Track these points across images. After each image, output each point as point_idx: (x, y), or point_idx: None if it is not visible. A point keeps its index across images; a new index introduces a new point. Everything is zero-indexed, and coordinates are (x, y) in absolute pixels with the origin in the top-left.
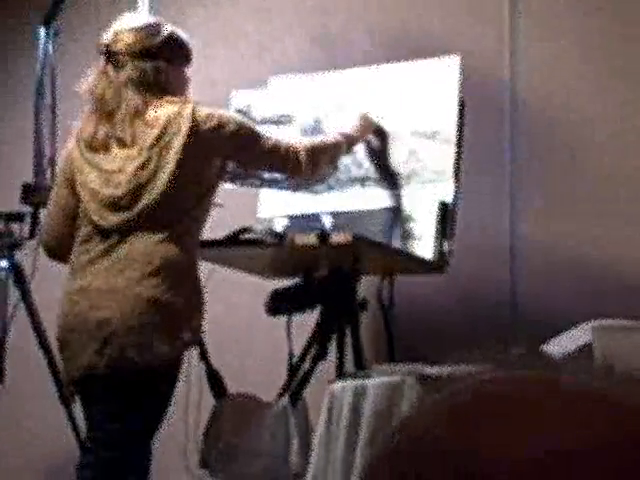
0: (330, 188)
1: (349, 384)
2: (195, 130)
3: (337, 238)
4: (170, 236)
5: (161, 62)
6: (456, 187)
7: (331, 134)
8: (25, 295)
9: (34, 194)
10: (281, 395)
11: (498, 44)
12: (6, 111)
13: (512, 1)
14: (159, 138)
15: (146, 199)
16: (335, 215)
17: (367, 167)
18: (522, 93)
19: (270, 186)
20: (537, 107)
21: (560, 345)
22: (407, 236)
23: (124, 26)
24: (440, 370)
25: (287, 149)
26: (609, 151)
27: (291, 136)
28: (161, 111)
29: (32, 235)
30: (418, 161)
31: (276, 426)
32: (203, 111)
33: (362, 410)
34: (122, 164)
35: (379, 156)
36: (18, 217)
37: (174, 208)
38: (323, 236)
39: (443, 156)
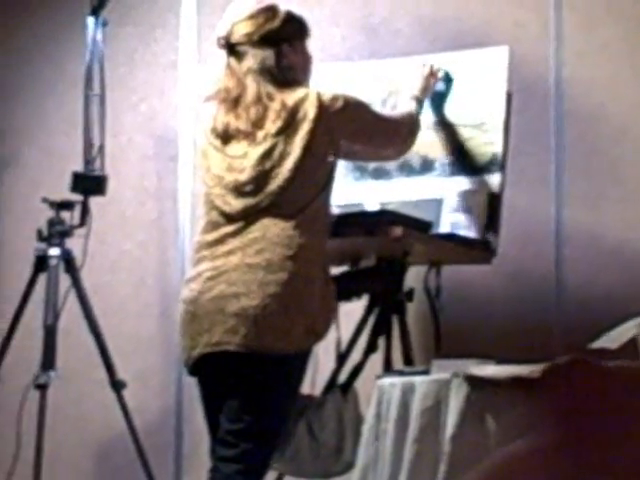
0: (377, 178)
1: (397, 380)
2: (323, 114)
3: (388, 232)
4: (303, 221)
5: (283, 46)
6: (503, 178)
7: (407, 101)
8: (76, 282)
9: (84, 182)
10: (331, 383)
11: (543, 31)
12: (56, 100)
13: None
14: (286, 125)
15: (271, 185)
16: (383, 206)
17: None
18: (567, 80)
19: (378, 159)
20: (582, 93)
21: (607, 341)
22: (455, 227)
23: (240, 15)
24: (486, 370)
25: (394, 122)
26: None
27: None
28: (286, 98)
29: (82, 223)
30: (465, 152)
31: (330, 417)
32: (327, 94)
33: (410, 406)
34: (246, 150)
35: (442, 99)
36: (68, 205)
37: (304, 193)
38: (371, 230)
39: (490, 147)
